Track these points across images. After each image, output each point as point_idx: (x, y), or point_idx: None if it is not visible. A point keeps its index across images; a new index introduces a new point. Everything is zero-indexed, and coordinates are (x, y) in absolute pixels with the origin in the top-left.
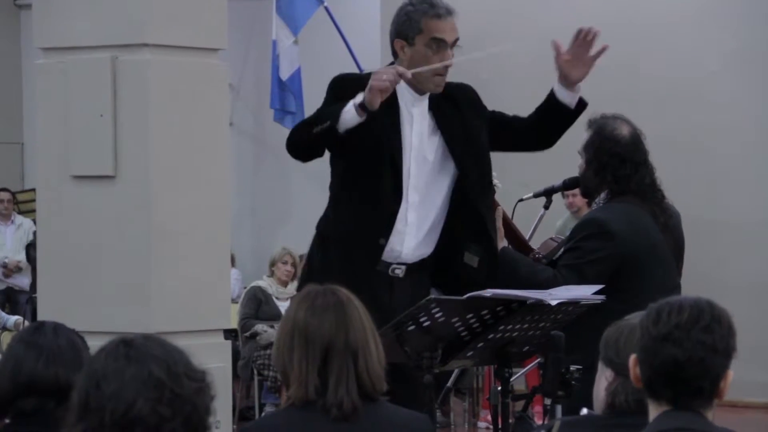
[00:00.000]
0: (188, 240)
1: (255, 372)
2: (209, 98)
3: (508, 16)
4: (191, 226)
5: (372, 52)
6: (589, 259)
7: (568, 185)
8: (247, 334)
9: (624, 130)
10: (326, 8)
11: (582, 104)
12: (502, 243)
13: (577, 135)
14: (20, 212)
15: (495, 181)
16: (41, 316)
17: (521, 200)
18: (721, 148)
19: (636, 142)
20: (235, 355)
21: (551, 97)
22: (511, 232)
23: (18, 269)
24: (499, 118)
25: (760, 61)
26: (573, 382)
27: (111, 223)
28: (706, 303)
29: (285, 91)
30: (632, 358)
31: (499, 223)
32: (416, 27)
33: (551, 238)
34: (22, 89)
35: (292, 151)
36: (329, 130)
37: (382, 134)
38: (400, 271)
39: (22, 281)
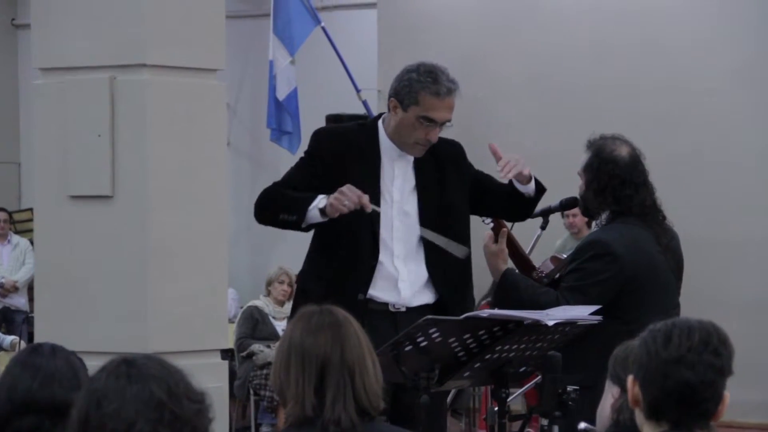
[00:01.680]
0: (185, 260)
1: (251, 392)
2: (207, 118)
3: (504, 36)
4: (189, 246)
5: (369, 73)
6: (592, 280)
7: (565, 206)
8: (244, 353)
9: (623, 151)
10: (323, 29)
11: (541, 188)
12: (506, 264)
13: (574, 155)
14: (17, 232)
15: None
16: (38, 336)
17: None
18: (724, 167)
19: (635, 163)
20: (232, 375)
21: (510, 185)
22: (516, 251)
23: (14, 289)
24: (483, 182)
25: (762, 79)
26: (570, 403)
27: (108, 243)
28: (711, 326)
29: (282, 111)
30: (630, 378)
31: (503, 245)
32: (413, 97)
33: (552, 257)
34: (19, 109)
35: (258, 217)
36: (294, 223)
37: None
38: (401, 307)
39: (19, 301)
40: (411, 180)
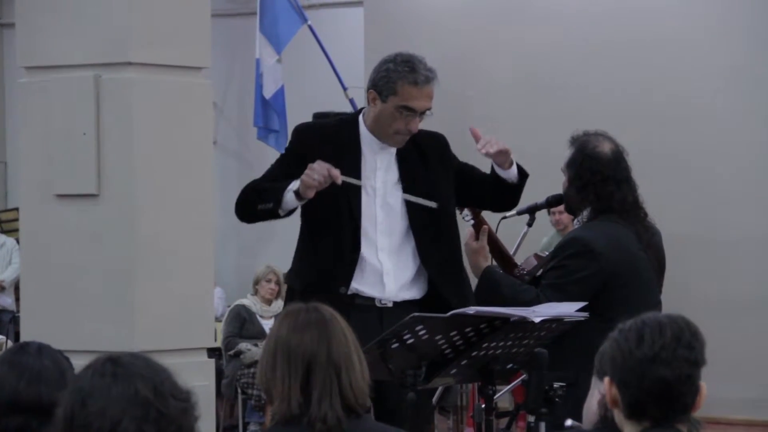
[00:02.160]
0: (172, 258)
1: (239, 391)
2: (193, 117)
3: (492, 34)
4: (175, 245)
5: (355, 70)
6: (572, 278)
7: (551, 203)
8: (231, 352)
9: (606, 148)
10: (310, 27)
11: (523, 174)
12: (487, 261)
13: (563, 153)
14: (3, 231)
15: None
16: (24, 335)
17: (504, 218)
18: (721, 165)
19: (618, 160)
20: (219, 374)
21: (493, 172)
22: (497, 248)
23: (1, 288)
24: (467, 173)
25: (760, 80)
26: (556, 399)
27: (94, 241)
28: (681, 319)
29: (268, 109)
30: (607, 380)
31: (484, 242)
32: (392, 87)
33: (535, 255)
34: (5, 108)
35: (238, 214)
36: (271, 211)
37: (339, 186)
38: (387, 302)
39: (5, 301)
40: (394, 172)
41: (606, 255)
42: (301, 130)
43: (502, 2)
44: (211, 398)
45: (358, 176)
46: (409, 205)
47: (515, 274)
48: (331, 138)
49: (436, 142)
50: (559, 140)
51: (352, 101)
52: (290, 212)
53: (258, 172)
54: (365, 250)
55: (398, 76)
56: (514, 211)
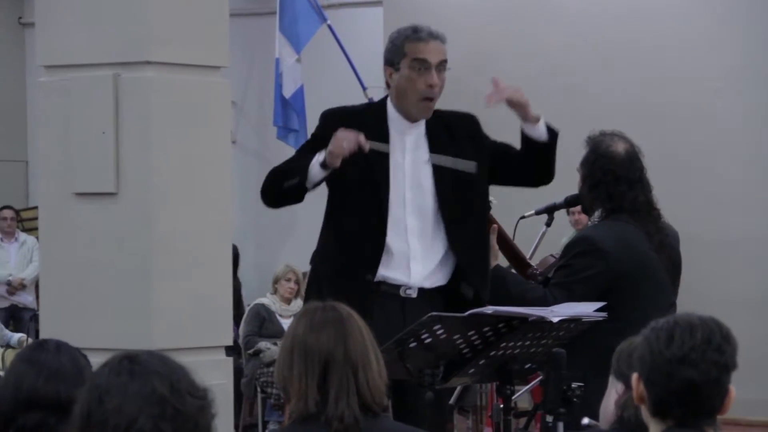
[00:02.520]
0: (190, 257)
1: (258, 389)
2: (211, 115)
3: (510, 34)
4: (193, 243)
5: (375, 70)
6: (578, 277)
7: (570, 202)
8: (251, 351)
9: (619, 147)
10: (329, 26)
11: (553, 133)
12: (496, 260)
13: (578, 143)
14: (24, 230)
15: (491, 198)
16: (43, 333)
17: (523, 217)
18: (721, 166)
19: (631, 159)
20: (239, 373)
21: (522, 135)
22: (509, 249)
23: (22, 287)
24: (500, 151)
25: (761, 80)
26: (574, 399)
27: (113, 239)
28: (713, 322)
29: (288, 108)
30: (635, 377)
31: (493, 241)
32: (400, 51)
33: (551, 255)
34: (26, 107)
35: (265, 198)
36: (298, 186)
37: (366, 166)
38: (411, 291)
39: (26, 299)
40: (424, 152)
41: (613, 254)
42: (328, 114)
43: (520, 2)
44: (229, 396)
45: (386, 158)
46: (439, 185)
47: (528, 274)
48: (359, 122)
49: (467, 122)
50: (579, 140)
51: (371, 101)
52: (317, 185)
53: None
54: (393, 232)
55: (402, 39)
56: (532, 211)
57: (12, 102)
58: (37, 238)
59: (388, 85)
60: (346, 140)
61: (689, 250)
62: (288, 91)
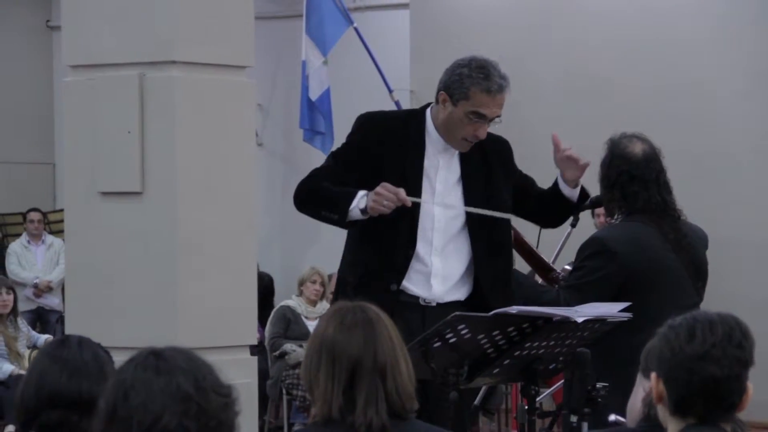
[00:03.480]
0: (215, 256)
1: (284, 391)
2: (237, 115)
3: (537, 35)
4: (218, 242)
5: (401, 73)
6: (590, 278)
7: (595, 203)
8: (276, 353)
9: (636, 148)
10: (356, 29)
11: (584, 196)
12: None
13: (602, 144)
14: (51, 232)
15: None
16: (69, 331)
17: None
18: (730, 168)
19: (648, 160)
20: (264, 375)
21: (555, 187)
22: (528, 254)
23: (49, 289)
24: (526, 185)
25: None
26: (599, 399)
27: (138, 239)
28: (732, 318)
29: (314, 111)
30: (654, 375)
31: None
32: (464, 92)
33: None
34: (54, 110)
35: (298, 207)
36: (336, 222)
37: (401, 181)
38: (432, 302)
39: (53, 301)
40: (456, 172)
41: (624, 254)
42: (365, 120)
43: (546, 3)
44: (253, 396)
45: (420, 174)
46: (467, 203)
47: (551, 278)
48: (398, 131)
49: (501, 147)
50: (601, 142)
51: (397, 103)
52: (351, 222)
53: (303, 174)
54: (420, 247)
55: (471, 82)
56: None
57: (40, 105)
58: (63, 240)
59: (437, 101)
60: (387, 199)
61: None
62: (314, 94)
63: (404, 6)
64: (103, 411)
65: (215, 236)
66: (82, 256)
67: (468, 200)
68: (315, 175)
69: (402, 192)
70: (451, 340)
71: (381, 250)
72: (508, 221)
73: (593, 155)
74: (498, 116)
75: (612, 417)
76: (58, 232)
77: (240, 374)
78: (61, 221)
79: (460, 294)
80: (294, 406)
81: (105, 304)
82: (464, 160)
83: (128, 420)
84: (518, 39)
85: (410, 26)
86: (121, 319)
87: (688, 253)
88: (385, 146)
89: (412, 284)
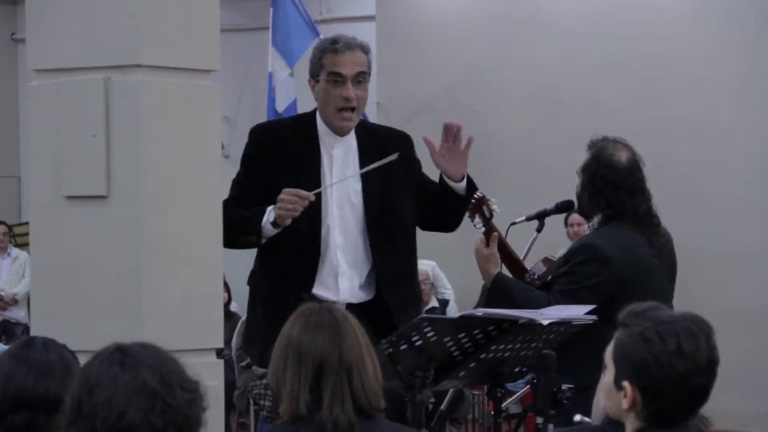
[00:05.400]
0: (180, 260)
1: (251, 402)
2: (202, 119)
3: (503, 49)
4: (183, 246)
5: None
6: (584, 284)
7: (560, 208)
8: (243, 364)
9: (622, 156)
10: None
11: (472, 188)
12: (497, 268)
13: (570, 156)
14: (17, 245)
15: (493, 206)
16: (34, 334)
17: (514, 224)
18: (718, 179)
19: (633, 169)
20: (231, 386)
21: (442, 185)
22: (507, 254)
23: (14, 302)
24: (425, 187)
25: (761, 92)
26: (565, 402)
27: (103, 242)
28: (700, 321)
29: None
30: (628, 384)
31: (494, 249)
32: (319, 63)
33: (544, 259)
34: (19, 123)
35: (226, 245)
36: (255, 243)
37: (300, 183)
38: (341, 303)
39: (18, 314)
40: (352, 166)
41: (617, 261)
42: (257, 130)
43: (513, 17)
44: (220, 399)
45: (317, 172)
46: (367, 201)
47: (526, 280)
48: (288, 137)
49: (400, 141)
50: (569, 154)
51: (364, 115)
52: (269, 239)
53: None
54: (323, 248)
55: (321, 51)
56: (523, 217)
57: (4, 118)
58: (29, 253)
59: (313, 92)
60: (290, 203)
61: (690, 263)
62: (281, 106)
63: (370, 18)
64: (69, 407)
65: (181, 239)
66: (48, 259)
67: (366, 195)
68: (224, 207)
69: (301, 191)
70: (417, 343)
71: (287, 259)
72: (411, 221)
73: (562, 166)
74: (361, 72)
75: (577, 417)
76: (24, 245)
77: (206, 377)
78: (27, 234)
79: (369, 292)
80: (261, 417)
81: (70, 307)
82: (361, 152)
83: (93, 416)
84: (484, 52)
85: (376, 38)
86: (87, 321)
87: (668, 258)
88: (279, 153)
89: (322, 288)
